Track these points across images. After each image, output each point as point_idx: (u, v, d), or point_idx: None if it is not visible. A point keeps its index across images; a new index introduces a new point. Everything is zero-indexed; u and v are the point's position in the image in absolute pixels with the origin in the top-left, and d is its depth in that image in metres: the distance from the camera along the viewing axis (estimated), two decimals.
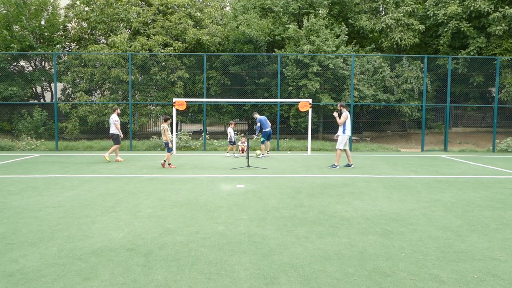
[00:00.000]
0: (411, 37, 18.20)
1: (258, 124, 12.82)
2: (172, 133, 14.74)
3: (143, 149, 15.17)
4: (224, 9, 23.22)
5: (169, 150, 10.33)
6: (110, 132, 11.63)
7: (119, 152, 12.15)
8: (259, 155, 12.86)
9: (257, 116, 13.24)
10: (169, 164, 10.21)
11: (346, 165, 10.49)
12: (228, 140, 13.56)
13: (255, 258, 3.94)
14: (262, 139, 12.84)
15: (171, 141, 10.17)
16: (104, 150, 14.83)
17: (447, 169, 10.41)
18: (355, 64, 17.36)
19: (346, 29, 18.44)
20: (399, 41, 18.23)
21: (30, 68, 19.25)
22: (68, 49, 20.05)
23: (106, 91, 18.64)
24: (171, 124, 13.05)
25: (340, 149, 10.25)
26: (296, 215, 5.56)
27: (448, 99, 15.69)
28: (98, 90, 19.19)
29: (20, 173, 9.22)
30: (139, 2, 19.63)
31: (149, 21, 19.12)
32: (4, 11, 17.85)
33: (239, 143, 14.74)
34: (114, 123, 11.49)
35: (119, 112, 11.98)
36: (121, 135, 11.69)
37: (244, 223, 5.15)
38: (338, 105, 10.57)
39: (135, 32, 18.75)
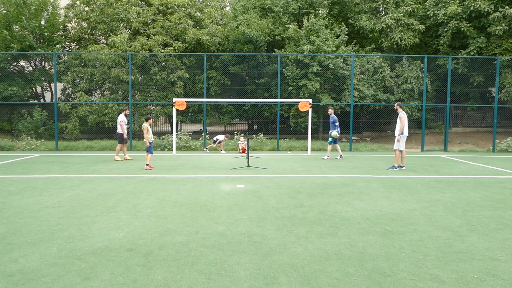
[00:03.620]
0: (411, 37, 18.20)
1: (337, 124, 12.10)
2: (172, 133, 14.77)
3: (143, 149, 15.15)
4: (224, 9, 23.21)
5: (149, 150, 10.07)
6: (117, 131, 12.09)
7: (126, 152, 12.27)
8: (325, 157, 12.42)
9: (332, 112, 12.32)
10: (147, 165, 9.97)
11: (398, 166, 10.29)
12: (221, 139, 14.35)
13: (255, 258, 3.94)
14: (331, 139, 12.12)
15: (151, 142, 10.07)
16: (104, 150, 14.86)
17: (447, 169, 10.40)
18: (355, 64, 17.36)
19: (346, 29, 18.44)
20: (399, 41, 18.23)
21: (30, 68, 19.25)
22: (68, 49, 20.04)
23: (106, 91, 18.63)
24: (171, 124, 13.02)
25: (400, 150, 10.05)
26: (296, 215, 5.56)
27: (448, 99, 15.69)
28: (98, 90, 19.19)
29: (20, 173, 9.22)
30: (139, 2, 19.63)
31: (149, 21, 19.12)
32: (4, 11, 17.85)
33: (238, 142, 14.76)
34: (119, 123, 11.79)
35: (127, 113, 12.20)
36: (125, 135, 11.91)
37: (244, 223, 5.15)
38: (395, 105, 10.29)
39: (135, 32, 18.75)
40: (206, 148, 14.65)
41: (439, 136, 18.54)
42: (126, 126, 12.08)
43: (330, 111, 12.35)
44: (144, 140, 10.11)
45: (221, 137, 14.52)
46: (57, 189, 7.33)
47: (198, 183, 8.04)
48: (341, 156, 12.51)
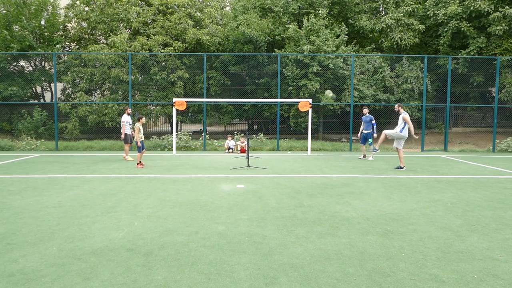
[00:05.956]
0: (411, 37, 18.19)
1: (374, 121, 11.95)
2: (172, 133, 14.77)
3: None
4: (224, 9, 23.21)
5: (139, 149, 10.25)
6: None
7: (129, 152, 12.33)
8: (371, 157, 12.26)
9: (367, 112, 12.15)
10: (138, 163, 10.16)
11: (398, 167, 10.22)
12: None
13: (255, 258, 3.94)
14: (370, 140, 11.98)
15: (142, 141, 10.17)
16: (104, 150, 14.86)
17: (447, 169, 10.40)
18: (355, 64, 17.36)
19: (346, 29, 18.44)
20: (399, 41, 18.23)
21: (30, 68, 19.25)
22: (68, 49, 20.04)
23: (106, 91, 18.63)
24: (171, 124, 13.06)
25: (400, 149, 9.99)
26: (296, 215, 5.56)
27: (448, 99, 15.69)
28: (98, 90, 19.19)
29: (20, 173, 9.22)
30: (139, 2, 19.62)
31: (149, 21, 19.12)
32: (4, 11, 17.84)
33: (238, 142, 14.76)
34: (122, 124, 11.87)
35: (130, 112, 12.12)
36: (122, 135, 11.93)
37: (244, 223, 5.15)
38: (396, 105, 10.21)
39: (135, 32, 18.75)
40: (237, 151, 14.64)
41: (439, 136, 18.54)
42: (130, 125, 12.05)
43: (366, 110, 12.19)
44: (135, 139, 10.19)
45: (231, 143, 14.58)
46: (57, 189, 7.33)
47: (198, 183, 8.04)
48: (364, 156, 12.31)
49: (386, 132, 10.15)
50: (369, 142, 12.06)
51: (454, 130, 20.07)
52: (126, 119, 11.85)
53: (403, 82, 17.64)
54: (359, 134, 12.54)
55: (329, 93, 11.97)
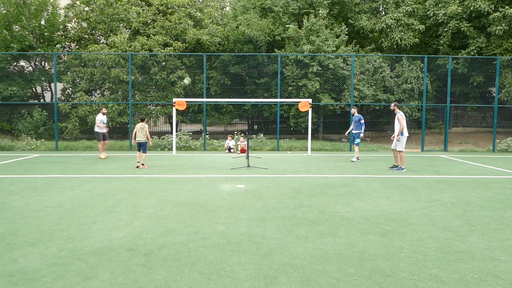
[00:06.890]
0: (411, 37, 18.20)
1: (363, 121, 11.66)
2: (172, 133, 14.77)
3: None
4: (224, 9, 23.22)
5: (146, 150, 10.29)
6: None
7: (107, 150, 12.71)
8: (354, 159, 11.88)
9: (356, 111, 11.91)
10: (142, 164, 10.17)
11: (393, 167, 10.20)
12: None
13: (255, 258, 3.94)
14: (358, 140, 11.78)
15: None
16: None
17: (447, 169, 10.40)
18: (355, 64, 17.36)
19: (346, 29, 18.44)
20: (399, 41, 18.24)
21: (30, 68, 19.25)
22: (68, 49, 20.04)
23: (106, 91, 18.63)
24: (171, 124, 13.12)
25: (402, 151, 9.93)
26: (296, 215, 5.56)
27: (448, 99, 15.69)
28: (98, 90, 19.19)
29: (20, 173, 9.22)
30: (139, 2, 19.62)
31: (149, 21, 19.12)
32: (4, 11, 17.85)
33: (238, 142, 14.76)
34: (96, 122, 12.36)
35: (104, 111, 12.52)
36: (97, 133, 12.34)
37: (244, 223, 5.15)
38: (392, 105, 10.10)
39: (135, 32, 18.75)
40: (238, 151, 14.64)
41: (439, 136, 18.54)
42: (104, 124, 12.36)
43: (354, 110, 12.00)
44: (144, 140, 10.16)
45: (231, 143, 14.59)
46: (57, 189, 7.33)
47: (198, 183, 8.04)
48: (358, 158, 12.01)
49: (399, 148, 9.95)
50: (356, 142, 11.90)
51: (454, 130, 20.07)
52: (100, 118, 12.21)
53: (403, 82, 17.63)
54: (347, 133, 12.56)
55: (186, 80, 12.40)
